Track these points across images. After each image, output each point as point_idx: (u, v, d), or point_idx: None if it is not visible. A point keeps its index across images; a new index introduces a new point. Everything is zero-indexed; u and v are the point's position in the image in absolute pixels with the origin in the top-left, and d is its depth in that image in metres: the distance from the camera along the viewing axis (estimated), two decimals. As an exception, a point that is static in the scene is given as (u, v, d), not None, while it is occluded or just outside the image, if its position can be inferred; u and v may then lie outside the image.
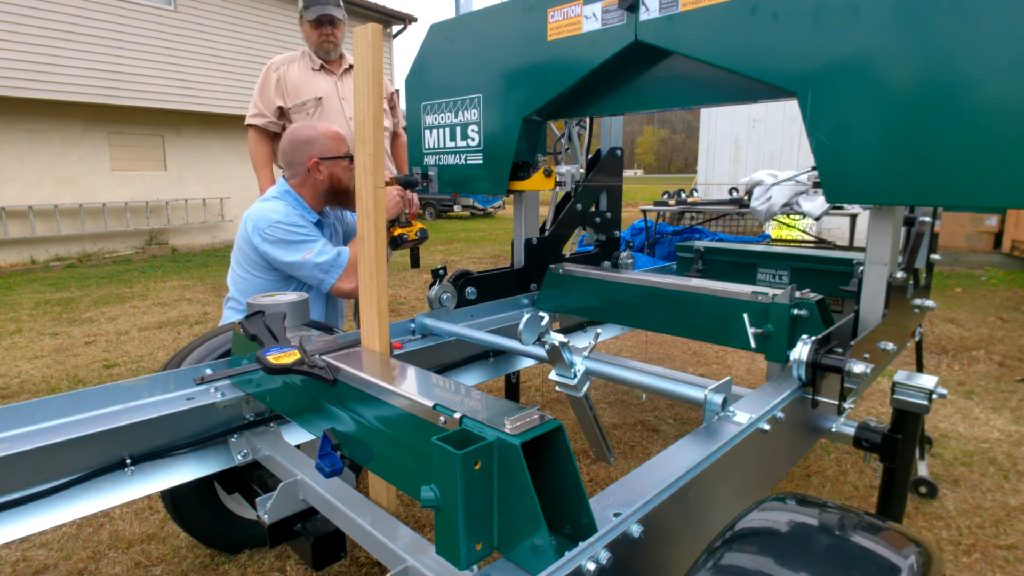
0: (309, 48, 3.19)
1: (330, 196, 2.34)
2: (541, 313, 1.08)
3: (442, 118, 2.20)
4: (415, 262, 2.53)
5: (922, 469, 2.47)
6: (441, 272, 2.05)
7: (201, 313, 5.99)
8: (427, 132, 2.27)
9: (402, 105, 2.42)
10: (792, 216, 6.41)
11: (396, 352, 1.80)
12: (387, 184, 2.55)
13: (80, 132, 10.49)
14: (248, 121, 3.21)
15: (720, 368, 4.14)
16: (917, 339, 2.42)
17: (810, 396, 1.36)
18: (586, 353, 1.18)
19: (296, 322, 1.72)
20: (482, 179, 2.12)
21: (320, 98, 3.13)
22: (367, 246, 1.42)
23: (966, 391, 3.54)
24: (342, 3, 3.16)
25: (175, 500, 1.88)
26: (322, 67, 3.16)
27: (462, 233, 14.01)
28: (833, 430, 1.43)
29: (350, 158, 2.35)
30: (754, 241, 6.43)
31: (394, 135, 3.52)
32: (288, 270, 2.20)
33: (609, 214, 2.62)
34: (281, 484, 1.39)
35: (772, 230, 7.39)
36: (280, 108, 3.15)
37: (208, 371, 1.58)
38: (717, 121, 11.22)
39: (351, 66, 3.30)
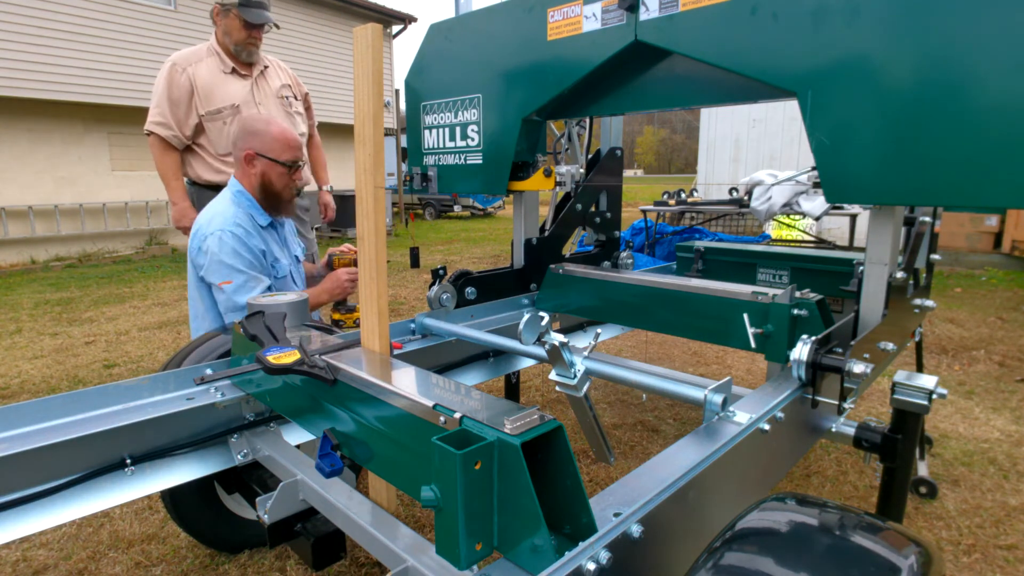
0: (223, 44, 2.91)
1: (263, 195, 2.23)
2: (541, 313, 1.08)
3: (442, 118, 2.20)
4: (415, 262, 2.53)
5: (922, 469, 2.47)
6: (441, 272, 2.05)
7: (201, 313, 5.98)
8: (427, 132, 2.27)
9: (403, 105, 2.41)
10: (792, 216, 6.42)
11: (396, 352, 1.80)
12: (345, 262, 2.46)
13: (80, 132, 10.49)
14: (150, 128, 2.86)
15: (720, 368, 4.14)
16: (917, 339, 2.42)
17: (810, 396, 1.36)
18: (586, 353, 1.18)
19: (296, 322, 1.72)
20: (482, 179, 2.12)
21: (237, 105, 2.90)
22: (367, 246, 1.42)
23: (966, 391, 3.54)
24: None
25: (175, 500, 1.88)
26: (234, 69, 2.94)
27: (462, 233, 14.01)
28: (833, 430, 1.43)
29: (288, 166, 2.22)
30: (754, 241, 6.42)
31: (308, 137, 3.30)
32: (207, 278, 2.12)
33: (609, 214, 2.62)
34: (281, 484, 1.39)
35: (772, 230, 7.39)
36: (196, 122, 2.88)
37: (208, 371, 1.58)
38: (717, 121, 11.22)
39: (266, 67, 3.09)
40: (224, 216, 2.14)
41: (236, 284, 2.08)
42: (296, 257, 2.46)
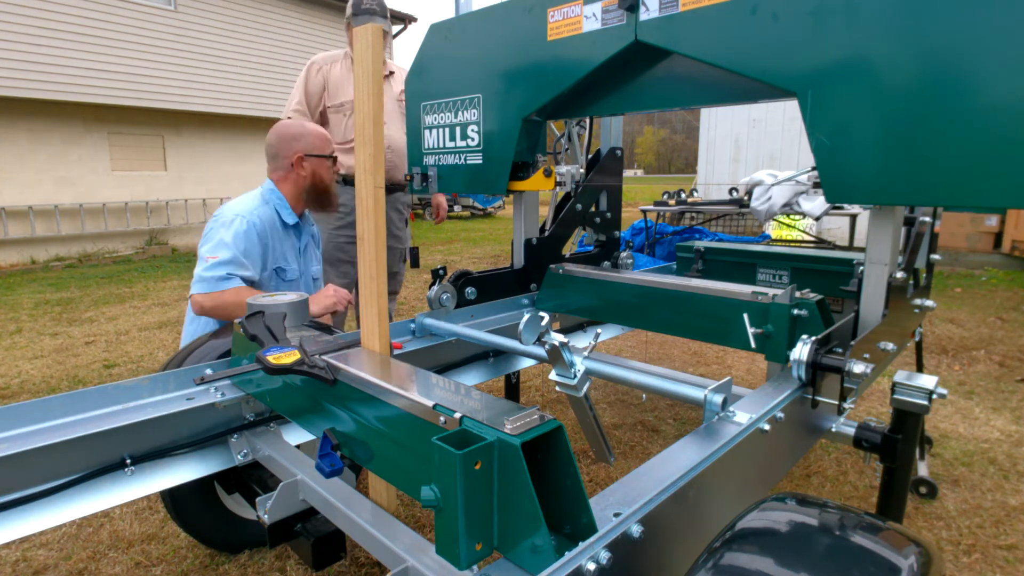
0: (352, 51, 3.19)
1: (311, 194, 2.32)
2: (541, 313, 1.08)
3: (442, 118, 2.20)
4: (415, 262, 2.52)
5: (922, 469, 2.47)
6: (441, 272, 2.05)
7: (201, 313, 5.98)
8: (427, 132, 2.27)
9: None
10: (792, 216, 6.42)
11: (396, 352, 1.80)
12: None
13: (80, 132, 10.49)
14: (291, 115, 3.19)
15: (720, 368, 4.14)
16: (917, 339, 2.42)
17: (810, 396, 1.36)
18: (586, 353, 1.18)
19: (296, 322, 1.72)
20: (482, 179, 2.12)
21: None
22: (367, 246, 1.42)
23: (966, 391, 3.54)
24: (388, 15, 3.19)
25: (175, 500, 1.88)
26: None
27: (462, 233, 14.01)
28: (833, 430, 1.43)
29: (334, 159, 2.37)
30: (754, 241, 6.43)
31: None
32: (200, 245, 2.15)
33: (609, 214, 2.62)
34: (281, 484, 1.39)
35: (772, 230, 7.39)
36: (321, 110, 3.20)
37: (208, 371, 1.58)
38: (717, 121, 11.22)
39: (391, 72, 3.36)
40: (249, 208, 2.19)
41: (220, 260, 2.05)
42: (312, 277, 2.50)
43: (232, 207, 2.18)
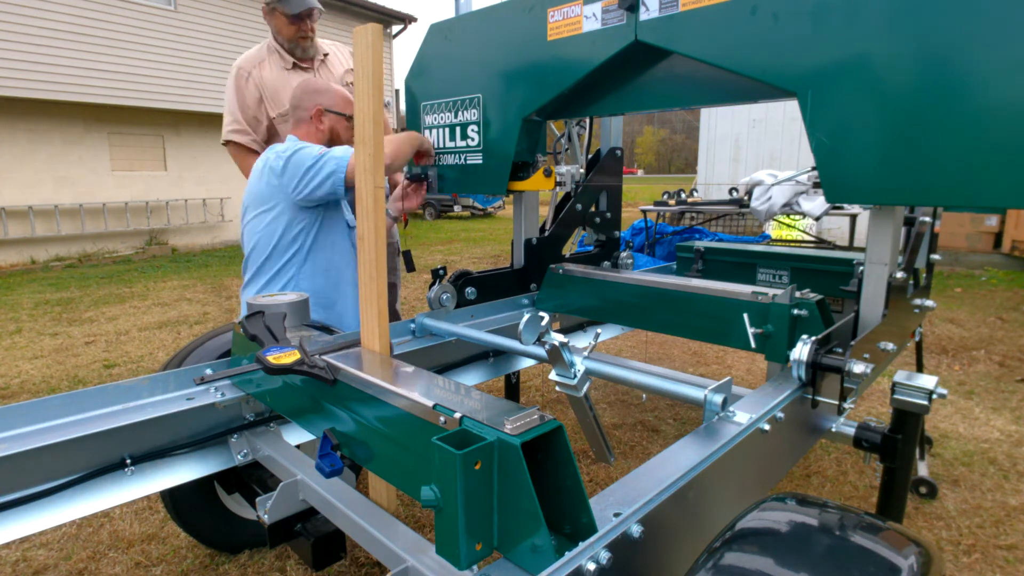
0: (277, 43, 2.86)
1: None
2: (541, 313, 1.08)
3: (442, 118, 2.20)
4: (410, 267, 2.47)
5: (922, 469, 2.47)
6: (441, 272, 2.05)
7: (201, 313, 5.98)
8: (427, 132, 2.27)
9: (403, 105, 2.41)
10: (792, 216, 6.42)
11: (396, 352, 1.80)
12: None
13: (80, 132, 10.49)
14: (228, 137, 2.86)
15: (720, 368, 4.14)
16: (917, 339, 2.42)
17: (810, 396, 1.36)
18: (586, 353, 1.18)
19: (296, 322, 1.72)
20: (482, 179, 2.12)
21: None
22: (367, 246, 1.42)
23: (966, 391, 3.54)
24: None
25: (175, 500, 1.88)
26: (295, 64, 2.86)
27: (462, 233, 14.01)
28: (833, 430, 1.43)
29: (350, 119, 2.29)
30: (754, 241, 6.43)
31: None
32: (311, 175, 2.04)
33: (609, 214, 2.62)
34: (281, 484, 1.39)
35: (772, 230, 7.39)
36: (266, 124, 2.87)
37: (208, 371, 1.58)
38: (717, 121, 11.22)
39: (326, 55, 2.97)
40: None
41: (332, 152, 2.06)
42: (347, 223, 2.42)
43: (274, 148, 2.15)
